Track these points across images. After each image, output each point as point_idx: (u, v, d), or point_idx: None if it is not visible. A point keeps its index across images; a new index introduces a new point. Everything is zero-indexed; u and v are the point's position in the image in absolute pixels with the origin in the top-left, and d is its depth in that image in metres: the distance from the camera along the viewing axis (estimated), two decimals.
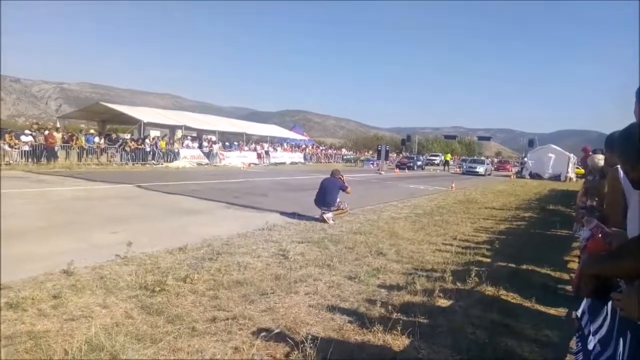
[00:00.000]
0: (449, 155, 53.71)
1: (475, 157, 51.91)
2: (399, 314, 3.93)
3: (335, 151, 51.99)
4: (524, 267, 6.14)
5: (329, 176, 9.54)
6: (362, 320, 3.75)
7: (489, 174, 38.58)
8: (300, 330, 3.51)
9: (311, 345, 3.08)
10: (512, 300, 4.67)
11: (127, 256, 5.24)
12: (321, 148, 50.59)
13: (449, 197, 15.90)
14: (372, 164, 41.14)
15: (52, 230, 6.85)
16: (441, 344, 3.43)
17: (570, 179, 34.57)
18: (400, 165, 39.90)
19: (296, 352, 3.09)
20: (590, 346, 2.12)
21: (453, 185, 20.10)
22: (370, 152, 56.77)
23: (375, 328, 3.54)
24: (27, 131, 21.64)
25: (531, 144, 43.52)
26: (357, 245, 6.68)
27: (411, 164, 41.33)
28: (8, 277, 4.28)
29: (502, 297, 4.76)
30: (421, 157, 49.95)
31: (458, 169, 45.75)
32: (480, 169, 37.50)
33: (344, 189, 9.39)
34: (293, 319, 3.75)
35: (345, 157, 49.21)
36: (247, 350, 3.08)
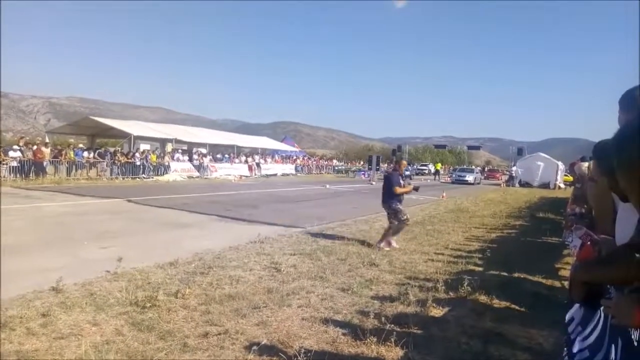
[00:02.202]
0: (440, 164, 54.08)
1: (465, 166, 50.44)
2: (392, 325, 3.91)
3: (326, 162, 52.06)
4: (516, 275, 6.17)
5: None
6: (355, 332, 3.73)
7: (478, 183, 38.03)
8: (294, 343, 3.49)
9: (304, 358, 3.05)
10: (504, 309, 4.68)
11: (117, 272, 5.18)
12: (312, 159, 50.65)
13: (440, 206, 15.97)
14: (364, 174, 41.25)
15: (40, 247, 6.76)
16: (435, 354, 3.42)
17: (559, 186, 34.90)
18: None
19: None
20: (575, 350, 2.13)
21: (444, 194, 20.21)
22: (362, 162, 56.90)
23: (368, 340, 3.52)
24: (15, 146, 21.40)
25: (520, 152, 43.93)
26: (349, 257, 6.67)
27: None
28: None
29: (495, 305, 4.77)
30: (409, 167, 48.02)
31: (448, 178, 46.02)
32: (470, 177, 37.18)
33: (393, 184, 7.63)
34: (286, 333, 3.72)
35: (336, 168, 49.27)
36: None
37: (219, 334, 3.61)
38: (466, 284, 5.06)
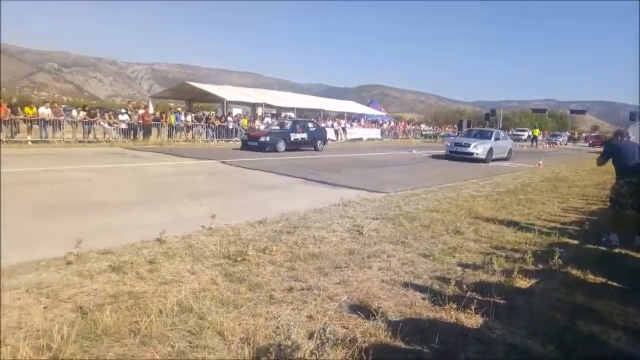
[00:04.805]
0: (537, 130, 50.27)
1: (479, 128, 29.18)
2: (473, 293, 3.86)
3: (413, 126, 50.80)
4: (616, 250, 5.72)
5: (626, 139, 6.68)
6: (435, 297, 3.75)
7: (506, 158, 21.32)
8: (373, 303, 3.59)
9: (382, 318, 3.15)
10: (600, 285, 4.40)
11: (212, 227, 5.62)
12: (399, 123, 49.65)
13: (535, 174, 15.02)
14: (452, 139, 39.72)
15: (147, 203, 7.52)
16: (517, 325, 3.34)
17: None
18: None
19: (367, 324, 3.18)
20: None
21: (540, 162, 18.88)
22: (453, 126, 54.55)
23: (448, 306, 3.52)
24: (123, 110, 23.55)
25: (633, 117, 39.45)
26: (433, 223, 6.59)
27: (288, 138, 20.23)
28: (110, 243, 4.79)
29: (589, 280, 4.49)
30: (320, 124, 28.16)
31: (547, 145, 43.11)
32: (478, 149, 19.29)
33: None
34: (366, 293, 3.84)
35: (424, 133, 47.91)
36: (320, 319, 3.23)
37: (302, 289, 3.83)
38: (557, 256, 4.79)
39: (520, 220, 7.23)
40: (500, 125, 49.59)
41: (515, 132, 56.17)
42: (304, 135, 21.22)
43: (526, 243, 5.76)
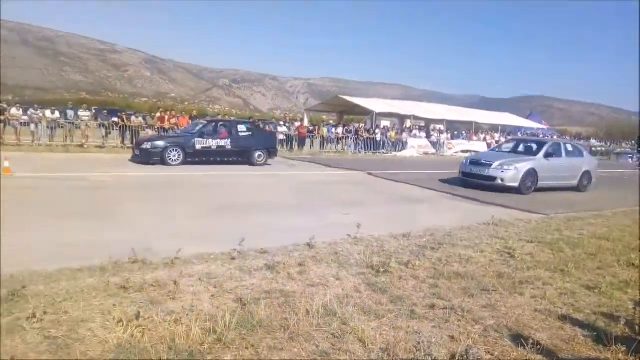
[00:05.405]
0: None
1: (529, 137, 22.68)
2: None
3: (581, 141, 45.34)
4: None
5: None
6: (598, 335, 3.33)
7: (575, 185, 12.74)
8: (523, 332, 3.34)
9: (533, 350, 2.92)
10: None
11: (357, 237, 5.80)
12: (563, 138, 44.78)
13: None
14: (631, 158, 34.44)
15: (299, 208, 8.13)
16: None
17: None
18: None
19: (516, 353, 2.98)
20: None
21: None
22: (632, 142, 47.17)
23: (615, 347, 3.10)
24: (281, 122, 25.67)
25: None
26: (601, 252, 5.83)
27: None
28: (267, 243, 5.26)
29: None
30: (265, 128, 22.08)
31: None
32: (505, 171, 11.32)
33: None
34: (515, 320, 3.58)
35: (593, 149, 42.43)
36: (463, 341, 3.12)
37: (445, 308, 3.73)
38: None
39: None
40: None
41: None
42: (224, 143, 14.76)
43: None
